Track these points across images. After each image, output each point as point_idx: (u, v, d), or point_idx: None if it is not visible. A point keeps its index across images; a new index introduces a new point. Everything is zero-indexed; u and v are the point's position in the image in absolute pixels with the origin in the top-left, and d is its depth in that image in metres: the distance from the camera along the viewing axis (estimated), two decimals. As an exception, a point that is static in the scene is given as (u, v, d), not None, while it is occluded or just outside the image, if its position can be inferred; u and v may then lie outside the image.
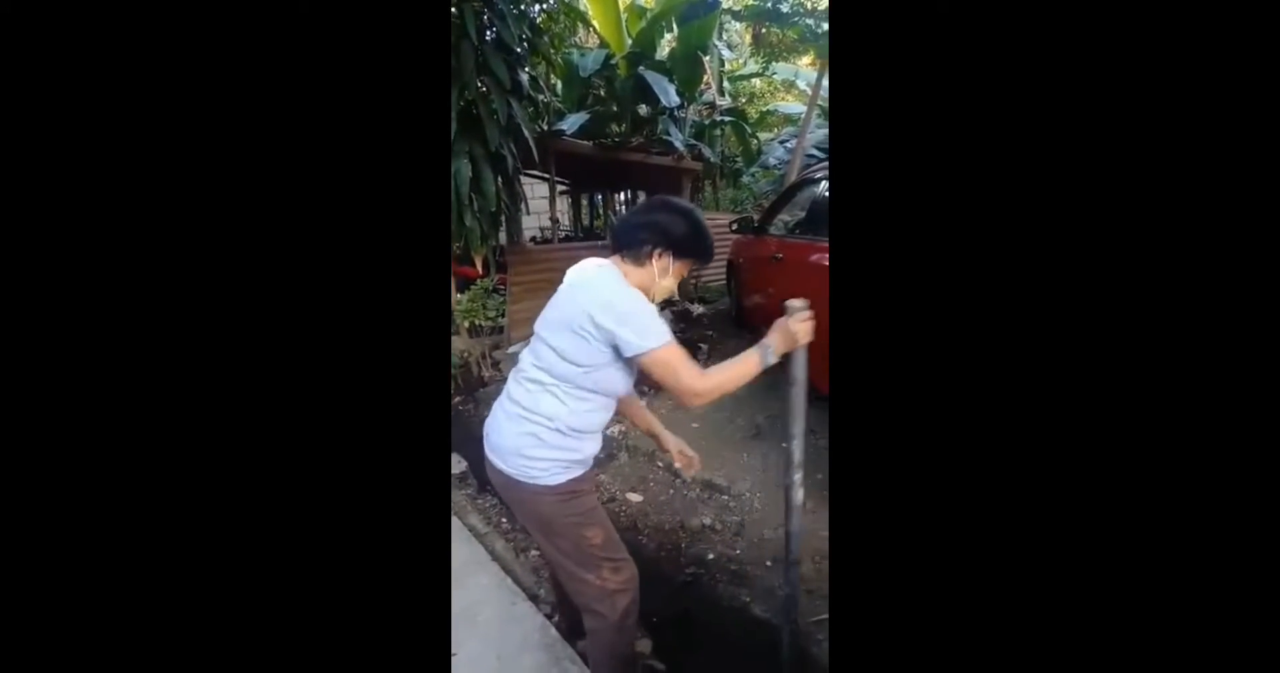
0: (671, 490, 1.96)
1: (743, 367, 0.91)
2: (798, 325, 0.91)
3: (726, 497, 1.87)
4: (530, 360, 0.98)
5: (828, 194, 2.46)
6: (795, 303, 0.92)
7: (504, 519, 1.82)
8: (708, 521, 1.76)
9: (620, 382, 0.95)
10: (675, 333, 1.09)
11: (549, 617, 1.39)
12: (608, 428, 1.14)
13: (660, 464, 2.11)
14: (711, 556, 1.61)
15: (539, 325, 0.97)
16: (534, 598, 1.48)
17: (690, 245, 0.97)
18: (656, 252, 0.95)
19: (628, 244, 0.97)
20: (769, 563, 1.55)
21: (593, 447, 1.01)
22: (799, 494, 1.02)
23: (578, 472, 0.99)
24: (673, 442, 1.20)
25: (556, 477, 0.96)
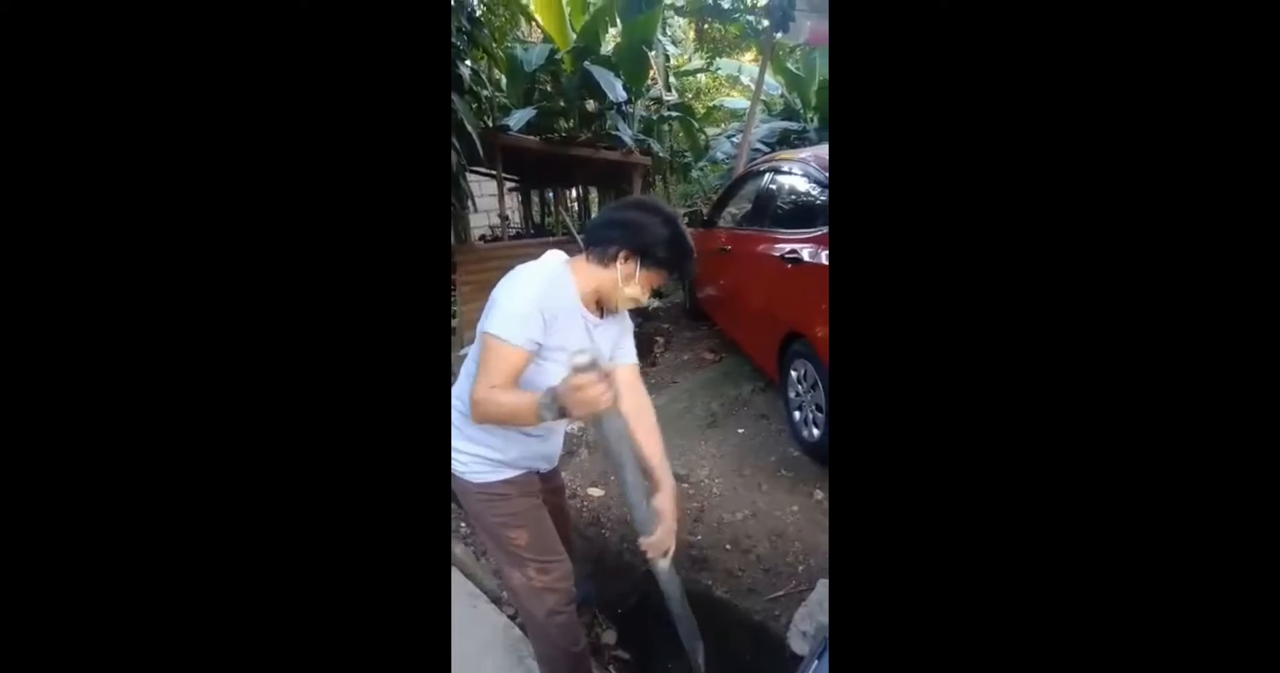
0: (632, 483, 1.97)
1: (519, 406, 0.77)
2: (590, 393, 0.69)
3: (686, 485, 1.89)
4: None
5: (772, 186, 2.53)
6: (579, 361, 0.69)
7: (462, 524, 1.78)
8: (668, 510, 1.78)
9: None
10: (634, 326, 1.05)
11: (511, 618, 1.38)
12: (567, 426, 1.11)
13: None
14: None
15: None
16: (496, 601, 1.46)
17: (663, 254, 0.86)
18: (622, 254, 0.87)
19: (595, 242, 0.89)
20: (728, 546, 1.59)
21: (519, 449, 0.96)
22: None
23: (507, 473, 0.96)
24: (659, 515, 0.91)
25: (482, 476, 0.94)
